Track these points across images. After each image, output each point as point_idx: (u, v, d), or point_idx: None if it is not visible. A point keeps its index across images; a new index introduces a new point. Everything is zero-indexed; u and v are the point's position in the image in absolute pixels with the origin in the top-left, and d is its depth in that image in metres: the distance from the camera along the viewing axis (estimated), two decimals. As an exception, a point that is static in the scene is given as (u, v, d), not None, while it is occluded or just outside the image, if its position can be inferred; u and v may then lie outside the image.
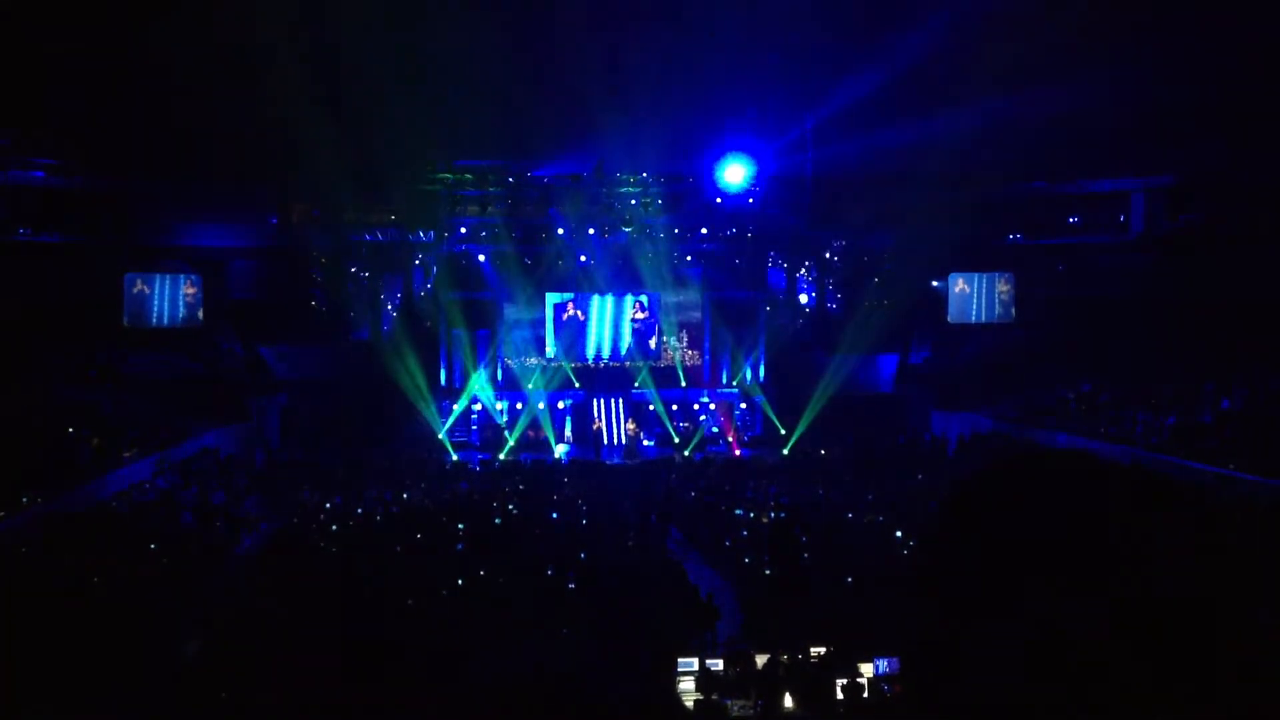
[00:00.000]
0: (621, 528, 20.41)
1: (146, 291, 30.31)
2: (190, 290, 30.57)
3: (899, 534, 19.15)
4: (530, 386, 32.04)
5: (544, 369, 32.59)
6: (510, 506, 22.50)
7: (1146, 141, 31.47)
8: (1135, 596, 0.77)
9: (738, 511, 22.22)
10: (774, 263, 34.12)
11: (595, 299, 33.21)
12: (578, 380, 32.21)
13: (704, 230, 32.59)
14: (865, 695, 11.05)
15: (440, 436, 30.01)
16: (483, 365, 31.76)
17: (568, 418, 31.76)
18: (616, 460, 29.39)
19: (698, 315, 33.58)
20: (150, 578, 16.15)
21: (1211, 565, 0.80)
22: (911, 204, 33.63)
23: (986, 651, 0.80)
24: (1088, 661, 0.76)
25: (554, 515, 21.71)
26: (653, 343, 33.38)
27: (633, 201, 31.88)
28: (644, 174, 31.85)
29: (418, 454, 28.77)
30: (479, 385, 31.41)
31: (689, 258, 33.11)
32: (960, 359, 33.63)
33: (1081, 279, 32.75)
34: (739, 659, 12.04)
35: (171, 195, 31.11)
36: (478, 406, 31.48)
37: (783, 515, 21.56)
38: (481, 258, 32.52)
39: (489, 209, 31.94)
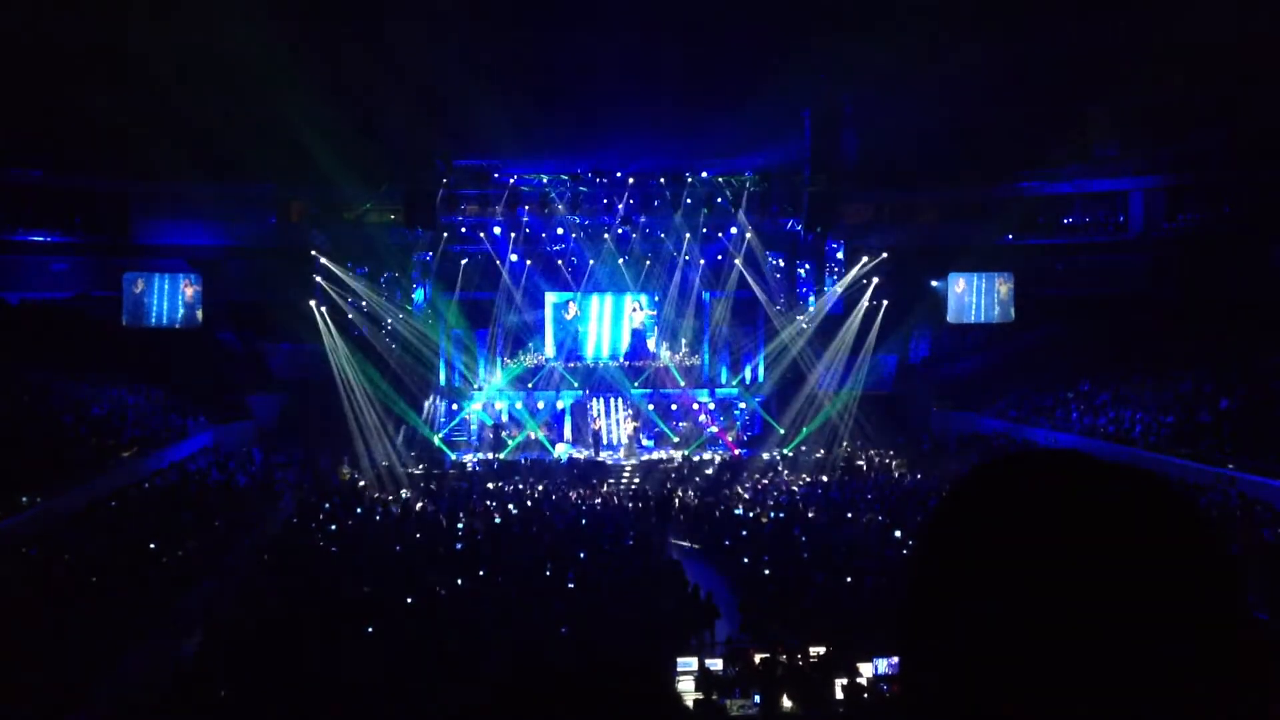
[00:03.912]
0: (621, 527, 20.41)
1: (146, 291, 30.28)
2: (189, 289, 30.55)
3: (897, 534, 19.16)
4: (529, 386, 31.99)
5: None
6: (510, 506, 22.50)
7: (1146, 140, 31.57)
8: (1133, 596, 0.78)
9: (736, 511, 22.23)
10: (774, 262, 34.06)
11: (595, 299, 33.19)
12: (576, 380, 32.14)
13: (704, 230, 32.56)
14: (865, 695, 11.06)
15: (435, 440, 29.95)
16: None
17: (566, 417, 31.73)
18: (616, 460, 29.39)
19: (697, 315, 33.55)
20: (150, 578, 16.14)
21: (1209, 565, 0.81)
22: (911, 203, 33.72)
23: (982, 651, 0.80)
24: (1086, 660, 0.77)
25: (552, 515, 21.71)
26: (651, 343, 33.36)
27: (632, 200, 31.86)
28: (644, 172, 31.84)
29: (416, 453, 28.80)
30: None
31: (688, 257, 33.08)
32: (959, 358, 33.64)
33: (1080, 279, 32.77)
34: (738, 658, 12.05)
35: (171, 194, 31.11)
36: (477, 407, 31.45)
37: (781, 515, 21.58)
38: (480, 257, 32.47)
39: (488, 208, 31.93)
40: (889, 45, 25.68)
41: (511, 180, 32.19)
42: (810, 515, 21.54)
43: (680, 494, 24.69)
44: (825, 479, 26.02)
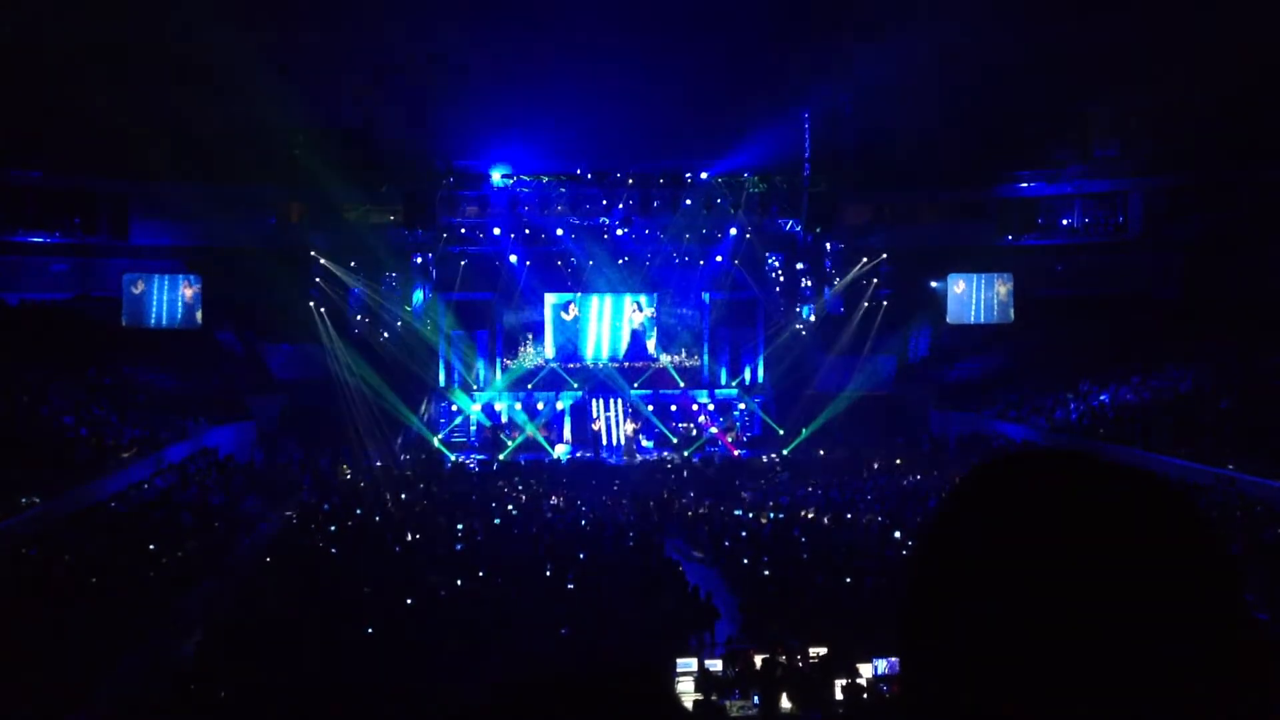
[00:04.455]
0: (621, 528, 20.40)
1: (145, 291, 30.26)
2: (189, 290, 30.53)
3: (897, 534, 19.16)
4: (528, 387, 31.99)
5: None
6: (510, 507, 22.49)
7: (1146, 140, 31.58)
8: (1133, 596, 0.78)
9: (736, 512, 22.21)
10: (773, 263, 34.05)
11: (594, 299, 33.17)
12: (576, 381, 32.12)
13: (704, 230, 32.56)
14: (865, 696, 11.05)
15: (435, 441, 29.92)
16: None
17: (566, 418, 31.71)
18: (616, 461, 29.36)
19: (697, 316, 33.54)
20: (150, 578, 16.13)
21: (1209, 565, 0.81)
22: (911, 203, 33.74)
23: (982, 651, 0.80)
24: (1086, 661, 0.77)
25: (552, 516, 21.71)
26: (651, 344, 33.34)
27: (631, 200, 31.86)
28: (644, 172, 31.86)
29: (416, 454, 28.79)
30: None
31: (687, 257, 33.06)
32: (959, 359, 33.63)
33: (1080, 279, 32.79)
34: (738, 659, 12.04)
35: (170, 195, 31.10)
36: (476, 408, 31.45)
37: (781, 516, 21.57)
38: (480, 257, 32.44)
39: (488, 209, 31.92)
40: (889, 45, 25.72)
41: (511, 180, 32.19)
42: (810, 516, 21.53)
43: (680, 495, 24.66)
44: (825, 479, 26.00)
